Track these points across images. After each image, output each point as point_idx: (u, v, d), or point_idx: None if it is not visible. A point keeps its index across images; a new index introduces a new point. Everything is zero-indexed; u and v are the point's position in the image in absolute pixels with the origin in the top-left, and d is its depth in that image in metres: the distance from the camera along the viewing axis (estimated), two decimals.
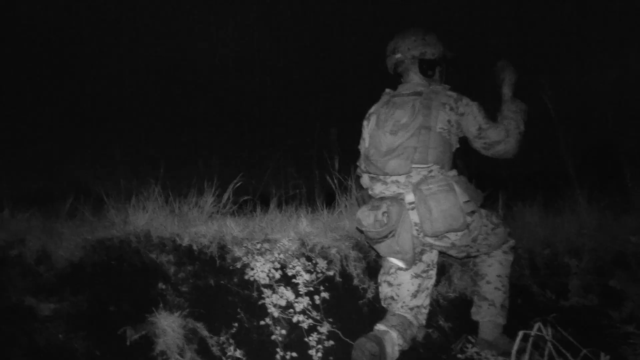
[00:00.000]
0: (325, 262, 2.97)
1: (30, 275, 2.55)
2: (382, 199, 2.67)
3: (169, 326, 2.44)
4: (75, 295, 2.52)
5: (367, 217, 2.59)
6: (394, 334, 2.52)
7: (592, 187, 3.89)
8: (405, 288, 2.66)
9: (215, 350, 2.50)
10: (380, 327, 2.57)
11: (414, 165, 2.61)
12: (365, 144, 2.89)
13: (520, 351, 2.58)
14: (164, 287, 2.66)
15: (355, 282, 2.99)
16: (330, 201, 3.68)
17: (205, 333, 2.54)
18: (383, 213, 2.54)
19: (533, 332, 1.84)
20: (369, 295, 2.96)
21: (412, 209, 2.58)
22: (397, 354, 2.54)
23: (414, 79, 2.87)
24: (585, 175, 3.95)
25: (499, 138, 2.67)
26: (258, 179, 3.84)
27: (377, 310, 2.88)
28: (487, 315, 2.76)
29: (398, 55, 2.87)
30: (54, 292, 2.51)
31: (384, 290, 2.73)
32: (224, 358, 2.48)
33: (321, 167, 3.83)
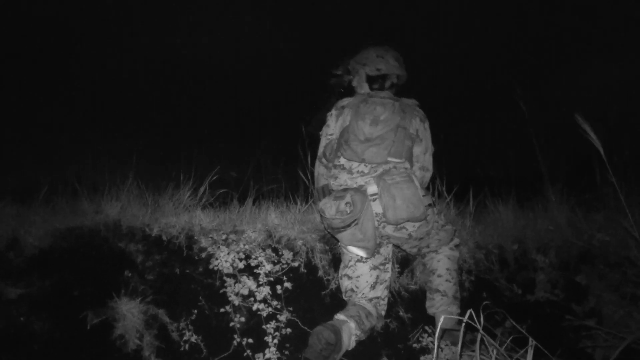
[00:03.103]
0: (291, 253, 3.03)
1: None
2: (345, 189, 2.77)
3: (129, 311, 2.52)
4: (41, 280, 2.60)
5: (329, 208, 2.69)
6: (352, 324, 2.59)
7: (564, 185, 3.95)
8: (364, 280, 2.73)
9: (174, 335, 2.58)
10: (339, 316, 2.64)
11: (389, 158, 2.77)
12: (329, 130, 3.03)
13: (472, 340, 2.67)
14: (129, 274, 2.74)
15: (320, 273, 3.05)
16: (306, 195, 3.75)
17: (165, 319, 2.62)
18: (346, 203, 2.65)
19: (465, 318, 1.90)
20: (333, 286, 3.02)
21: (374, 200, 2.71)
22: (353, 344, 2.61)
23: (386, 93, 3.04)
24: (558, 174, 4.01)
25: (431, 168, 2.99)
26: (239, 173, 3.92)
27: (339, 301, 2.94)
28: (441, 305, 2.83)
29: (404, 71, 3.08)
30: (21, 277, 2.60)
31: (344, 283, 2.80)
32: (181, 342, 2.56)
33: (298, 163, 3.91)
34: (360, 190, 2.73)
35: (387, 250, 2.82)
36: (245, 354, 2.59)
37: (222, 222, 3.19)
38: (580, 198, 3.90)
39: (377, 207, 2.70)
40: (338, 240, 2.83)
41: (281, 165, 4.09)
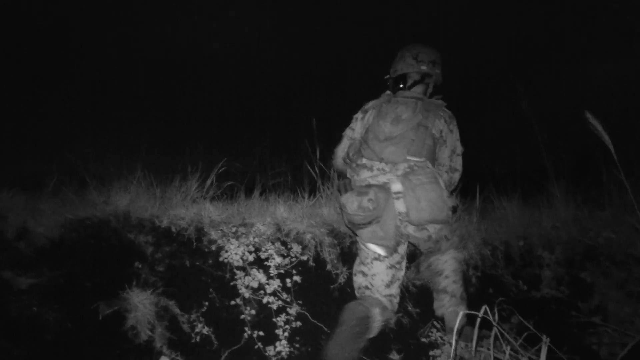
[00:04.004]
0: (300, 247, 3.04)
1: (10, 250, 2.63)
2: (368, 186, 2.76)
3: (140, 302, 2.53)
4: (52, 271, 2.60)
5: (351, 203, 2.68)
6: (376, 310, 2.61)
7: (570, 182, 3.96)
8: (380, 278, 2.73)
9: (185, 327, 2.59)
10: (363, 302, 2.65)
11: (408, 157, 2.76)
12: (354, 134, 3.05)
13: (482, 336, 2.69)
14: (140, 266, 2.74)
15: (328, 267, 3.06)
16: (313, 189, 3.76)
17: (176, 310, 2.62)
18: (369, 200, 2.64)
19: (480, 314, 1.91)
20: (341, 280, 3.03)
21: (398, 198, 2.70)
22: (376, 331, 2.63)
23: (417, 90, 3.03)
24: (563, 171, 4.02)
25: (460, 167, 2.96)
26: (245, 165, 3.93)
27: (347, 295, 2.96)
28: (451, 305, 2.85)
29: (424, 67, 3.00)
30: (32, 267, 2.59)
31: (358, 280, 2.80)
32: (192, 334, 2.57)
33: (306, 157, 3.91)
34: (384, 187, 2.72)
35: (403, 249, 2.82)
36: (256, 347, 2.60)
37: (231, 215, 3.19)
38: (586, 195, 3.91)
39: (400, 206, 2.70)
40: (357, 236, 2.84)
41: (285, 159, 4.10)
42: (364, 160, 2.86)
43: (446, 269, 2.91)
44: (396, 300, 2.78)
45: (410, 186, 2.66)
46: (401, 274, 2.81)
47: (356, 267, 2.84)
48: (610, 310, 3.23)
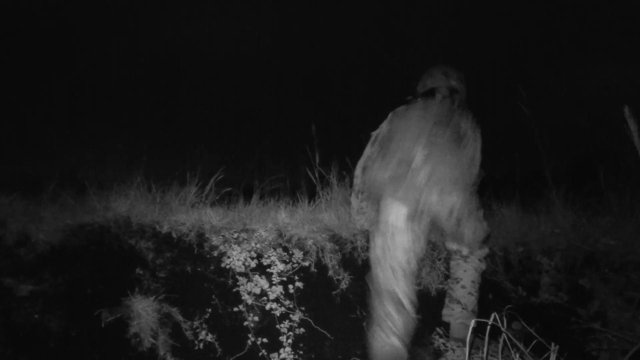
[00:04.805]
0: (302, 252, 3.03)
1: (10, 256, 2.61)
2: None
3: (143, 310, 2.51)
4: (53, 277, 2.58)
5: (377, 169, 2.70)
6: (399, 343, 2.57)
7: (569, 188, 3.98)
8: (401, 244, 2.61)
9: (188, 334, 2.57)
10: (395, 341, 2.58)
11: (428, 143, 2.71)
12: (382, 131, 3.04)
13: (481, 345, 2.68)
14: (141, 272, 2.72)
15: (330, 273, 3.05)
16: (312, 194, 3.75)
17: (179, 317, 2.60)
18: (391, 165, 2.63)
19: (490, 322, 1.91)
20: (343, 286, 3.03)
21: (421, 165, 2.62)
22: None
23: (445, 106, 2.95)
24: (562, 177, 4.04)
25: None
26: (243, 171, 3.92)
27: (349, 301, 2.96)
28: (460, 317, 2.83)
29: (453, 82, 3.01)
30: (33, 274, 2.57)
31: (378, 242, 2.67)
32: (196, 342, 2.55)
33: (304, 162, 3.90)
34: (406, 159, 2.64)
35: (424, 223, 2.65)
36: (260, 354, 2.58)
37: (232, 221, 3.18)
38: (585, 201, 3.93)
39: (423, 170, 2.58)
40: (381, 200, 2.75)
41: (282, 163, 4.09)
42: (385, 155, 2.82)
43: (465, 278, 2.88)
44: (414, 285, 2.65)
45: (433, 152, 2.59)
46: (419, 247, 2.65)
47: (376, 236, 2.70)
48: (610, 317, 3.24)
